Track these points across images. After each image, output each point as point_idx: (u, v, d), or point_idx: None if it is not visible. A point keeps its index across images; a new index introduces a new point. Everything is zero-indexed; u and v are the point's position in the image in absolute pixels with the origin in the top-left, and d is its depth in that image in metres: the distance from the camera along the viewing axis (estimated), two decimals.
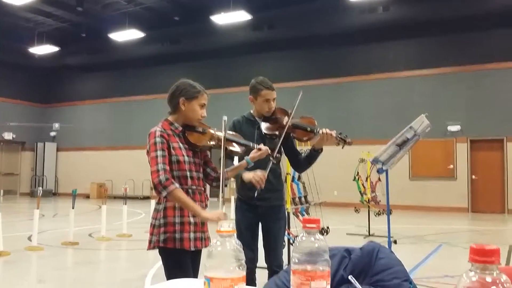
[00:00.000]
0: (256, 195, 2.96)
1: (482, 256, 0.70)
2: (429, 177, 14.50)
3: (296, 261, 0.96)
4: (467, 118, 14.10)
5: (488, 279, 0.69)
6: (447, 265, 6.10)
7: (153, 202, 2.71)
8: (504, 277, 0.69)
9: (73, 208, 7.78)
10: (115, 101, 20.45)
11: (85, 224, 10.13)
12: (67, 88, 21.64)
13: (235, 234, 0.97)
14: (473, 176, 14.05)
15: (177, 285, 1.48)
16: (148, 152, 2.49)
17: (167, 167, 2.43)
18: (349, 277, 1.17)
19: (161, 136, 2.49)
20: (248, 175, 2.91)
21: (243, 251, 0.95)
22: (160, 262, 2.58)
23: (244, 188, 3.42)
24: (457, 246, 7.69)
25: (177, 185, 2.42)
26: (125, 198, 9.29)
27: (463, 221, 11.88)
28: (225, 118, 2.67)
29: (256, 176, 2.86)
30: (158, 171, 2.39)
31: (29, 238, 7.69)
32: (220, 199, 2.56)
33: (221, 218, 2.41)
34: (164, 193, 2.39)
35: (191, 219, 2.50)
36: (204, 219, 2.49)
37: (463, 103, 14.18)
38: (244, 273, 0.94)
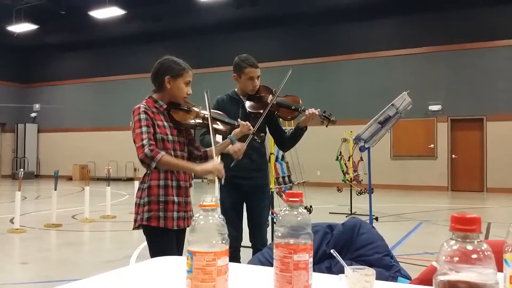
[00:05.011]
0: (232, 164, 2.95)
1: (463, 225, 0.70)
2: (410, 157, 14.68)
3: (279, 234, 0.96)
4: (447, 98, 14.25)
5: (469, 247, 0.69)
6: (427, 242, 6.22)
7: (136, 183, 2.69)
8: (484, 246, 0.70)
9: (55, 190, 7.71)
10: (97, 80, 20.13)
11: (68, 206, 10.05)
12: (47, 68, 21.22)
13: (218, 208, 0.97)
14: (453, 155, 14.26)
15: (161, 263, 1.47)
16: (133, 130, 2.46)
17: (153, 142, 2.40)
18: (332, 251, 1.18)
19: (145, 112, 2.46)
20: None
21: (226, 225, 0.95)
22: (145, 243, 2.58)
23: (228, 167, 3.42)
24: (437, 224, 7.84)
25: (162, 152, 2.40)
26: (108, 179, 9.22)
27: (443, 199, 12.10)
28: (207, 90, 2.65)
29: (234, 147, 2.77)
30: (143, 146, 2.36)
31: (11, 221, 7.61)
32: (213, 149, 2.57)
33: (216, 167, 2.47)
34: (153, 164, 2.36)
35: (175, 199, 2.50)
36: (201, 173, 2.54)
37: (444, 83, 14.31)
38: (227, 247, 0.94)
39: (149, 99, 2.58)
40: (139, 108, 2.48)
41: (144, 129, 2.40)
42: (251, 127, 2.82)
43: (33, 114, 21.70)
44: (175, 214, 2.49)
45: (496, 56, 13.73)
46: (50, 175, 19.24)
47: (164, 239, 2.48)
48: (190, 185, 2.64)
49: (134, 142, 2.46)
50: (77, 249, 6.18)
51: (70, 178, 19.40)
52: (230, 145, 2.72)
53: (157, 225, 2.44)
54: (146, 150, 2.35)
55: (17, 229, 7.04)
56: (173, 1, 15.80)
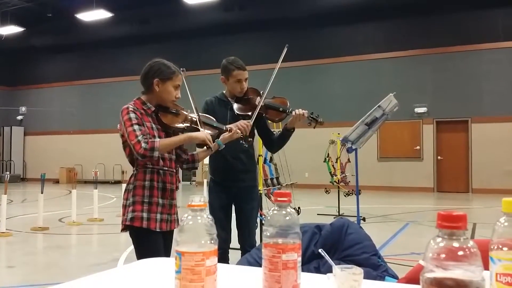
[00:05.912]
0: (245, 144, 3.02)
1: (450, 222, 0.71)
2: (397, 158, 14.80)
3: (268, 234, 0.96)
4: (433, 100, 14.39)
5: (456, 244, 0.70)
6: (414, 242, 6.26)
7: (124, 186, 2.67)
8: (471, 243, 0.70)
9: (42, 193, 7.62)
10: (84, 83, 19.98)
11: (55, 209, 9.95)
12: (34, 70, 21.00)
13: (207, 209, 0.97)
14: (439, 157, 14.40)
15: (148, 265, 1.47)
16: (123, 129, 2.44)
17: (146, 136, 2.41)
18: (320, 250, 1.18)
19: (134, 112, 2.45)
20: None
21: (214, 225, 0.95)
22: (132, 246, 2.56)
23: (217, 169, 3.41)
24: (423, 224, 7.91)
25: (157, 139, 2.42)
26: (95, 182, 9.15)
27: (429, 200, 12.20)
28: (183, 69, 2.68)
29: (242, 123, 2.93)
30: (139, 142, 2.36)
31: None
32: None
33: (207, 136, 2.52)
34: (156, 154, 2.38)
35: (160, 200, 2.49)
36: (195, 140, 2.54)
37: (429, 85, 14.46)
38: (215, 247, 0.94)
39: (137, 100, 2.56)
40: (127, 108, 2.47)
41: (136, 126, 2.40)
42: (240, 132, 2.82)
43: (19, 117, 21.47)
44: (158, 216, 2.47)
45: (480, 59, 13.91)
46: (36, 178, 19.03)
47: (149, 241, 2.46)
48: (177, 187, 2.63)
49: (124, 138, 2.45)
50: (64, 252, 6.12)
51: (57, 181, 19.20)
52: (218, 149, 2.72)
53: (140, 225, 2.43)
54: (144, 145, 2.35)
55: (3, 232, 6.95)
56: (161, 4, 15.74)
